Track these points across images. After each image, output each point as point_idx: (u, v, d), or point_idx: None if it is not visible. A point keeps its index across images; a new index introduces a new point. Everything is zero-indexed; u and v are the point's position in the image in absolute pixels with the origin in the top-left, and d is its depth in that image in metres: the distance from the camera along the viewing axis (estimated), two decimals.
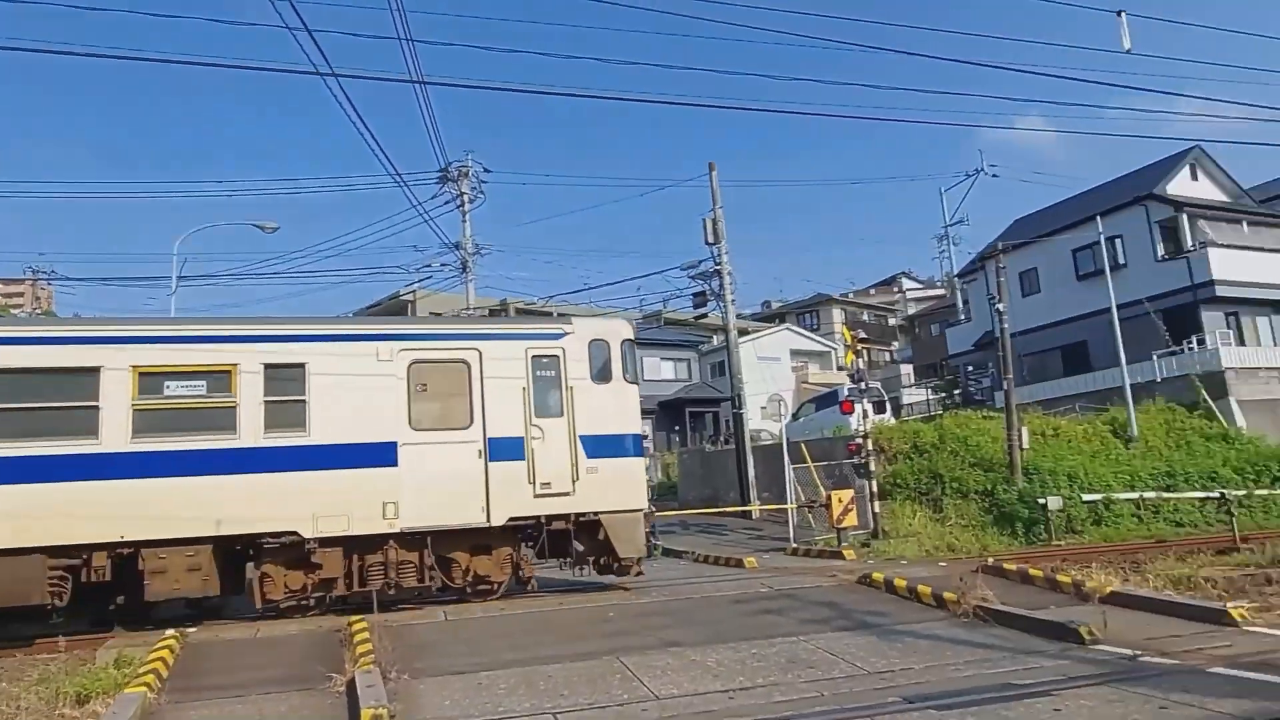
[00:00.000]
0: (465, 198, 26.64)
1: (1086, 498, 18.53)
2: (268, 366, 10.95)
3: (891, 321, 61.05)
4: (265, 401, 10.87)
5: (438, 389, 11.60)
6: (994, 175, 41.89)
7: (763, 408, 24.76)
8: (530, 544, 12.04)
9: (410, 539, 11.14)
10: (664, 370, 45.19)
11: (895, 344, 57.71)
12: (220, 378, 10.83)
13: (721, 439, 35.24)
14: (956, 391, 36.36)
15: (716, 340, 43.56)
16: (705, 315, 27.67)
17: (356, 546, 11.03)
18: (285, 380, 10.99)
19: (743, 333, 33.60)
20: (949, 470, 19.57)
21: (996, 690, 6.66)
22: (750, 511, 22.21)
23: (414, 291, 41.72)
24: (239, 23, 78.16)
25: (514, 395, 11.71)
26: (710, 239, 24.19)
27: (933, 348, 48.29)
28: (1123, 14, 11.24)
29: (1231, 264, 28.16)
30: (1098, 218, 26.34)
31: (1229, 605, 9.04)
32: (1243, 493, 19.38)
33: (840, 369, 34.35)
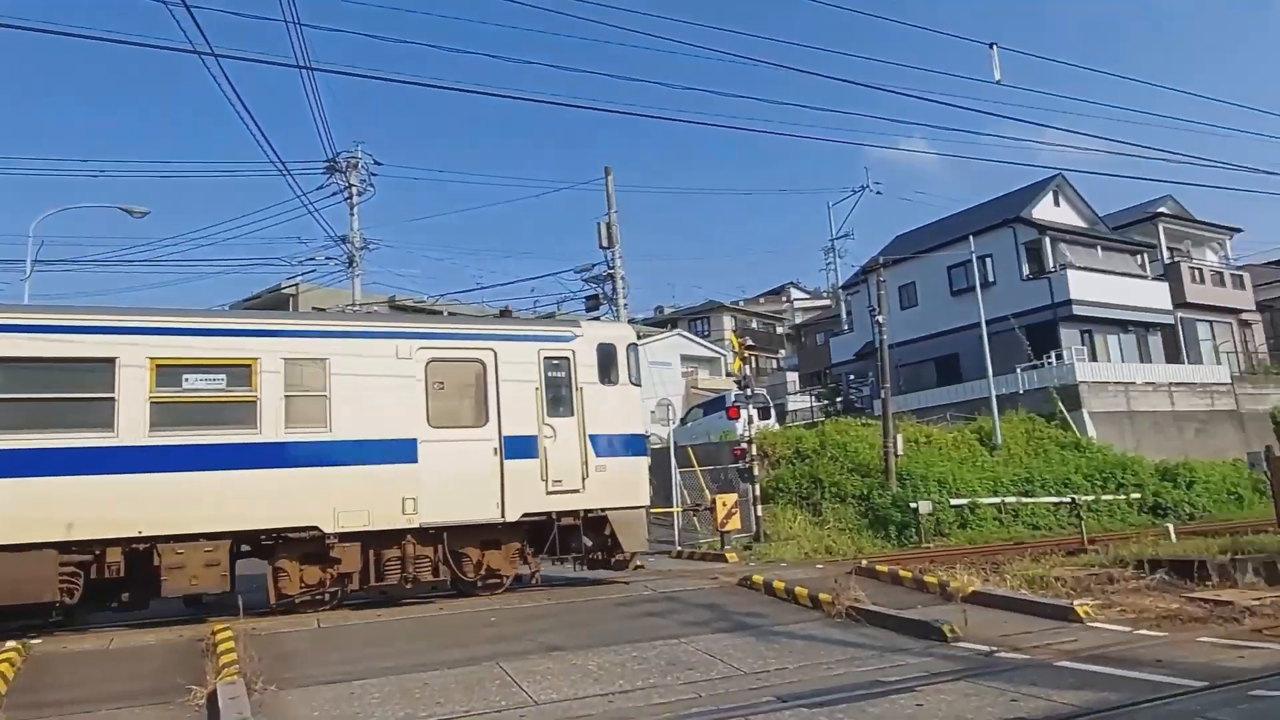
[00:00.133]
0: (354, 190, 25.81)
1: (954, 502, 19.57)
2: (289, 361, 10.90)
3: (779, 330, 62.66)
4: (286, 396, 10.82)
5: (455, 387, 11.81)
6: (878, 192, 43.78)
7: (651, 412, 24.98)
8: (531, 540, 12.22)
9: (427, 534, 11.34)
10: None
11: (782, 352, 59.28)
12: (241, 371, 10.71)
13: None
14: (838, 399, 37.70)
15: None
16: (598, 319, 27.72)
17: (374, 541, 11.12)
18: (307, 375, 10.99)
19: None
20: (828, 475, 20.29)
21: (864, 687, 6.93)
22: None
23: (296, 285, 40.08)
24: None
25: (527, 395, 12.03)
26: (605, 243, 24.26)
27: (818, 356, 49.88)
28: (994, 46, 12.00)
29: (1087, 285, 30.26)
30: (971, 237, 27.92)
31: (1075, 603, 9.70)
32: (1091, 498, 20.92)
33: (729, 375, 35.04)
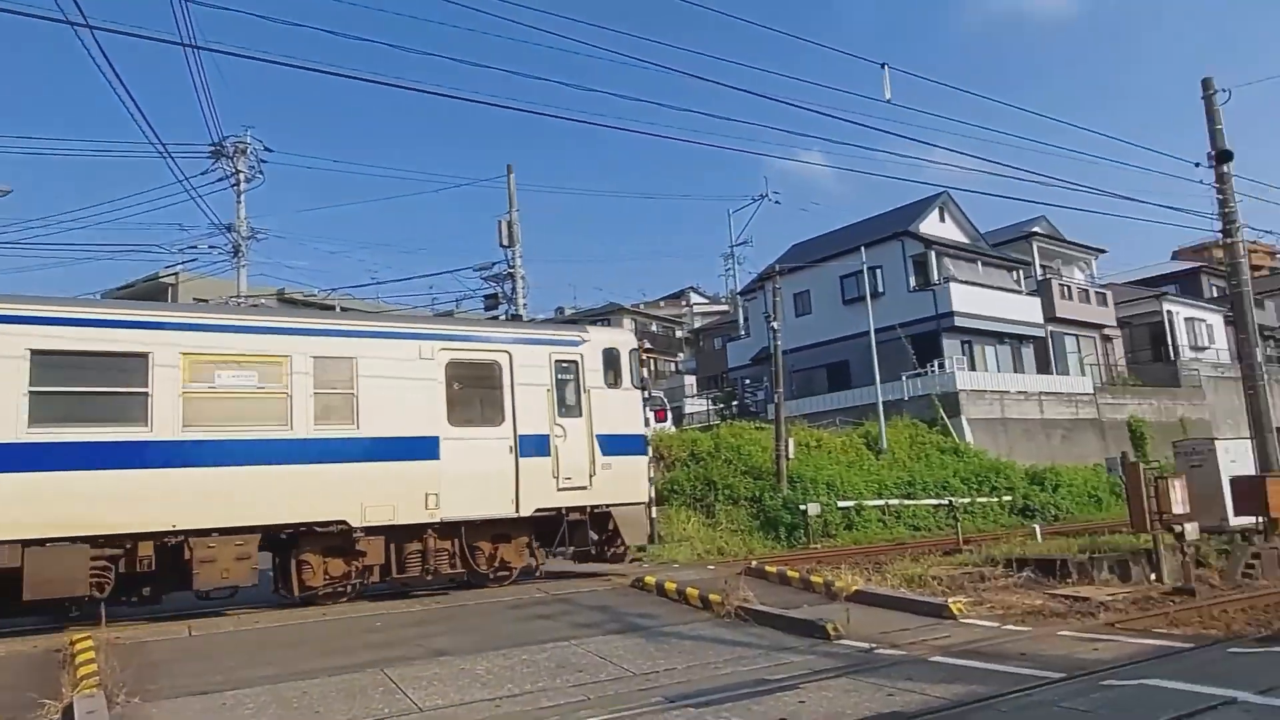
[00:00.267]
0: (242, 177, 24.67)
1: (841, 504, 20.24)
2: (318, 360, 11.11)
3: (679, 333, 63.39)
4: (315, 394, 11.02)
5: (473, 388, 12.28)
6: (777, 202, 44.59)
7: None
8: (537, 534, 12.68)
9: (446, 528, 11.71)
10: None
11: (681, 355, 59.95)
12: (272, 369, 10.87)
13: None
14: (734, 403, 38.40)
15: None
16: (496, 318, 27.39)
17: (397, 535, 11.45)
18: (335, 374, 11.23)
19: None
20: (722, 478, 20.65)
21: (750, 686, 7.08)
22: None
23: (176, 274, 38.00)
24: None
25: (540, 396, 12.54)
26: (505, 241, 23.99)
27: (715, 360, 50.66)
28: (886, 67, 12.50)
29: (968, 298, 31.88)
30: (862, 249, 28.99)
31: (949, 601, 10.18)
32: (968, 500, 22.02)
33: None
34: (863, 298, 28.16)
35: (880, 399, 25.68)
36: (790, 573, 12.51)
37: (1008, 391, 29.76)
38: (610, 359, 13.27)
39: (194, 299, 29.80)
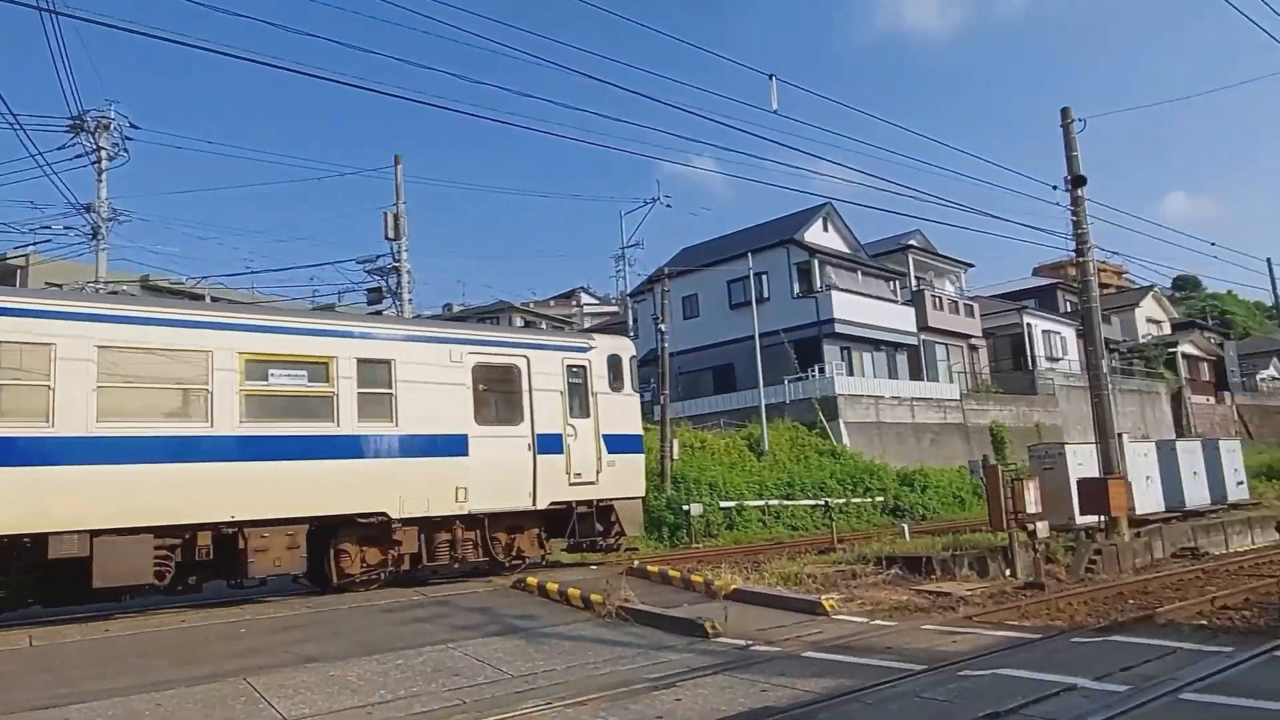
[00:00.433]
0: (104, 154, 23.01)
1: (723, 505, 20.63)
2: (360, 361, 11.78)
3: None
4: (359, 393, 11.65)
5: (496, 390, 13.17)
6: (668, 205, 45.27)
7: None
8: (546, 525, 13.70)
9: (472, 520, 12.65)
10: None
11: None
12: (319, 369, 11.49)
13: None
14: None
15: None
16: (380, 313, 26.58)
17: (428, 526, 12.27)
18: (375, 374, 11.90)
19: None
20: None
21: (628, 685, 7.11)
22: None
23: (26, 256, 35.08)
24: None
25: (554, 398, 13.59)
26: (391, 234, 23.29)
27: None
28: (774, 77, 12.81)
29: (848, 306, 33.14)
30: (749, 255, 29.69)
31: (822, 598, 10.53)
32: (843, 501, 22.85)
33: None
34: (749, 303, 28.84)
35: (763, 402, 26.37)
36: (672, 572, 12.65)
37: (883, 396, 31.10)
38: (614, 365, 14.48)
39: (46, 283, 27.61)
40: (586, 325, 62.23)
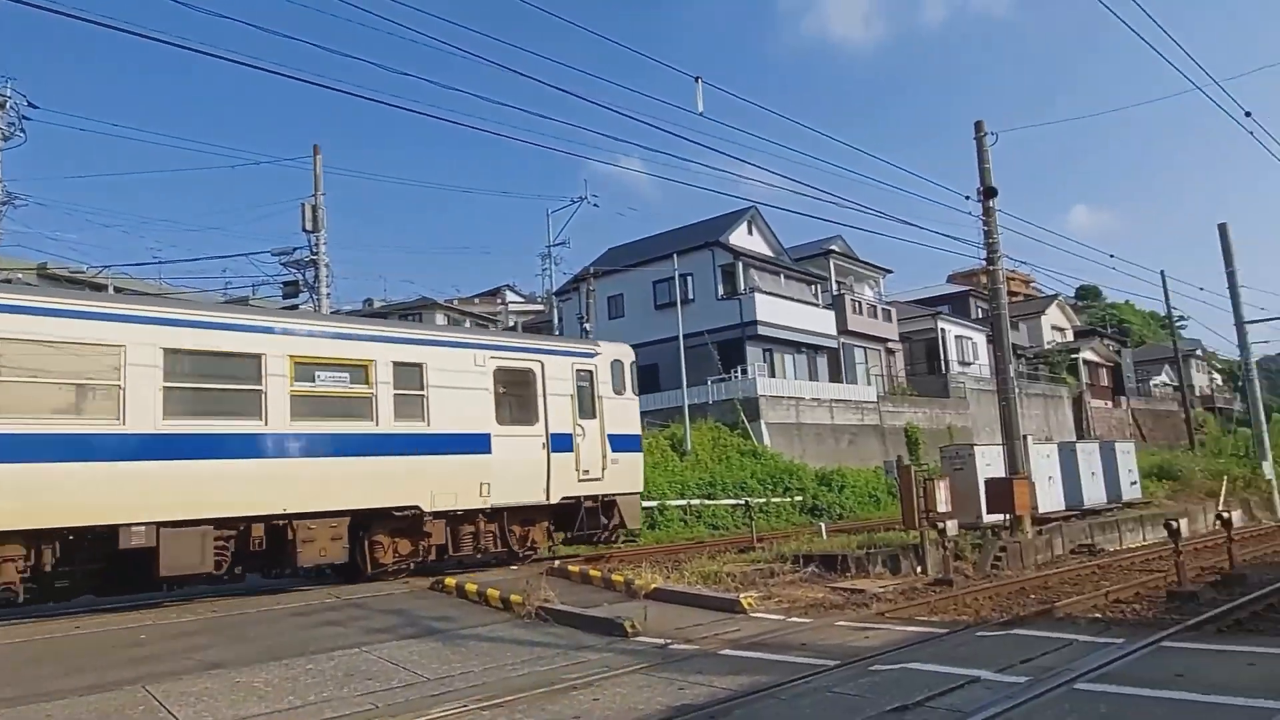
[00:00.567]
0: None
1: (646, 504, 20.65)
2: (396, 364, 12.52)
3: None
4: (395, 394, 12.39)
5: (514, 391, 14.05)
6: (595, 205, 44.95)
7: None
8: (553, 519, 14.76)
9: (492, 513, 13.58)
10: None
11: None
12: (360, 371, 12.23)
13: None
14: None
15: None
16: (296, 307, 25.79)
17: (455, 519, 13.12)
18: (409, 377, 12.68)
19: None
20: None
21: (546, 685, 7.07)
22: None
23: None
24: None
25: (565, 400, 14.56)
26: (309, 226, 22.69)
27: None
28: (700, 80, 12.92)
29: (771, 309, 33.67)
30: (675, 256, 29.90)
31: (741, 596, 10.68)
32: (763, 500, 23.19)
33: None
34: (674, 304, 29.03)
35: (686, 402, 26.58)
36: (593, 572, 12.64)
37: (803, 398, 31.71)
38: (617, 370, 15.55)
39: None
40: (511, 324, 61.69)
